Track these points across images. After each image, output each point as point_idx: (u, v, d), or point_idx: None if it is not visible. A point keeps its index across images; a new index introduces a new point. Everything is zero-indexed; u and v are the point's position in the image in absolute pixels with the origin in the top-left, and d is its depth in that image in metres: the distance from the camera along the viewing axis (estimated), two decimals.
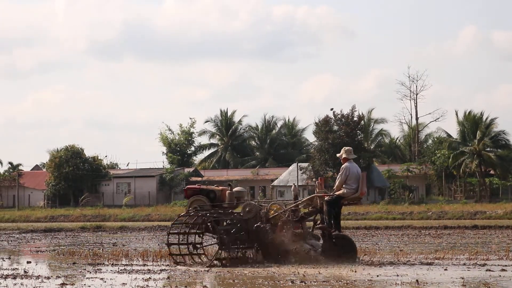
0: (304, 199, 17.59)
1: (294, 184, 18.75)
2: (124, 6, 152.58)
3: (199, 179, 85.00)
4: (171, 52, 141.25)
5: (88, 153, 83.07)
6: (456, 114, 79.30)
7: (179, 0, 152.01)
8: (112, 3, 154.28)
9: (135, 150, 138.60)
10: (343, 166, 17.26)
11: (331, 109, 72.88)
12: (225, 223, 17.19)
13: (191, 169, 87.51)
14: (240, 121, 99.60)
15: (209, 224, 17.13)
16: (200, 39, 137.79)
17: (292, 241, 16.74)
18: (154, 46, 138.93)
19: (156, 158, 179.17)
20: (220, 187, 18.25)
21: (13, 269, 16.44)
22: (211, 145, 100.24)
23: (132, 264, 17.28)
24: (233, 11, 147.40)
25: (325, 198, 17.06)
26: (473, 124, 75.81)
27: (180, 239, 17.61)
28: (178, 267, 16.56)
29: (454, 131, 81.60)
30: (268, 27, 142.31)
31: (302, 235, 17.05)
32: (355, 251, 17.05)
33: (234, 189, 17.85)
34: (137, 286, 13.22)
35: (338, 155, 17.87)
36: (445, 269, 15.28)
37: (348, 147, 17.77)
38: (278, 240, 16.73)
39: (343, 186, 17.05)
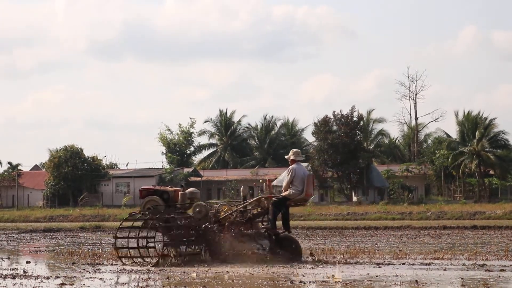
0: (251, 200, 17.87)
1: (242, 186, 18.99)
2: (124, 6, 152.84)
3: (199, 179, 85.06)
4: (171, 52, 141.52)
5: (88, 153, 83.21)
6: (456, 116, 79.45)
7: (179, 0, 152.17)
8: (112, 3, 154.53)
9: (135, 150, 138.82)
10: (289, 167, 17.64)
11: None
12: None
13: (190, 169, 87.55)
14: (239, 121, 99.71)
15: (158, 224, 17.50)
16: (200, 39, 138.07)
17: (239, 241, 17.06)
18: (154, 46, 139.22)
19: (156, 158, 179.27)
20: (174, 188, 18.53)
21: (12, 269, 16.44)
22: (211, 145, 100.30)
23: (132, 264, 17.27)
24: (233, 11, 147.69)
25: (272, 199, 17.41)
26: (472, 124, 75.87)
27: (129, 239, 18.06)
28: (127, 267, 16.73)
29: (453, 131, 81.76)
30: (268, 27, 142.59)
31: (251, 235, 17.35)
32: (300, 251, 17.50)
33: (187, 191, 18.19)
34: (137, 286, 13.23)
35: (286, 156, 18.20)
36: (444, 269, 15.29)
37: (296, 149, 18.11)
38: (225, 240, 17.07)
39: (289, 187, 17.38)
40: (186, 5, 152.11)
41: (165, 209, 17.76)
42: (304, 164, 75.58)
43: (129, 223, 18.91)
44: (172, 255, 17.21)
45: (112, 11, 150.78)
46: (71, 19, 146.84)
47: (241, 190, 18.49)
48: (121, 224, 18.81)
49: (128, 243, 18.11)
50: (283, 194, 17.46)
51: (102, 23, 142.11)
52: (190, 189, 18.41)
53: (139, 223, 18.14)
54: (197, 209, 17.60)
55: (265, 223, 17.75)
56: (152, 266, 16.64)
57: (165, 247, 17.17)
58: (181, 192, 18.04)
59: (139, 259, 17.55)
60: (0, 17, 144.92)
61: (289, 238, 17.60)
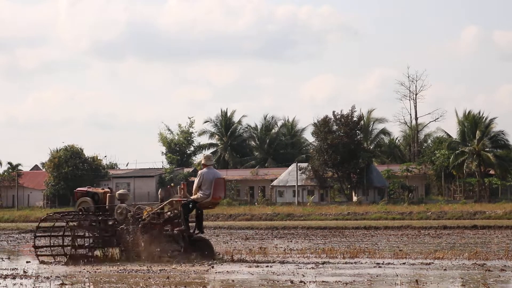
0: (164, 203, 18.39)
1: (161, 188, 19.43)
2: (127, 6, 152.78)
3: None
4: (173, 52, 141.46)
5: (88, 153, 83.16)
6: (456, 113, 79.55)
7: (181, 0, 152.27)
8: (115, 3, 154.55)
9: (136, 150, 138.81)
10: (199, 172, 18.35)
11: None
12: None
13: (190, 169, 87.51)
14: (239, 121, 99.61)
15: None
16: (203, 38, 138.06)
17: (155, 242, 17.76)
18: (156, 46, 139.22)
19: (156, 158, 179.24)
20: (103, 190, 19.25)
21: (13, 269, 16.44)
22: (211, 145, 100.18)
23: (132, 264, 17.29)
24: (236, 11, 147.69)
25: (182, 202, 18.02)
26: (472, 124, 75.90)
27: (50, 238, 19.23)
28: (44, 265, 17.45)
29: (453, 131, 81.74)
30: (271, 26, 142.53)
31: (171, 236, 17.99)
32: (212, 251, 18.17)
33: (117, 193, 18.91)
34: (137, 285, 13.23)
35: (201, 162, 18.51)
36: (445, 269, 15.28)
37: (207, 154, 18.95)
38: (137, 241, 17.83)
39: (198, 191, 18.00)
40: (188, 4, 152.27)
41: (94, 210, 18.65)
42: (304, 164, 75.70)
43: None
44: (82, 254, 18.02)
45: (115, 11, 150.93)
46: (74, 19, 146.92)
47: (159, 193, 18.97)
48: (39, 224, 19.70)
49: (50, 241, 19.17)
50: (192, 197, 18.07)
51: (104, 23, 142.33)
52: (120, 191, 19.09)
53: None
54: (118, 211, 18.32)
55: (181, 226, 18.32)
56: (62, 265, 17.40)
57: (72, 247, 17.96)
58: (109, 194, 18.84)
59: (58, 257, 18.38)
60: (2, 17, 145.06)
61: (202, 239, 18.30)
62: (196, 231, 18.18)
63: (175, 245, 17.85)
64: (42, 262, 18.03)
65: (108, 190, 19.11)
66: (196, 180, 18.15)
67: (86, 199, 18.82)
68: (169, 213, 18.17)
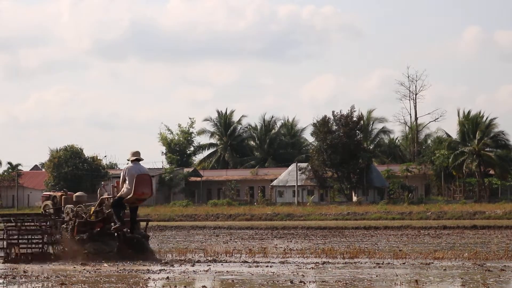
0: (96, 203, 18.71)
1: (100, 187, 19.53)
2: (129, 6, 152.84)
3: (199, 179, 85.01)
4: (175, 52, 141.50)
5: (88, 153, 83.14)
6: (458, 114, 79.60)
7: (183, 0, 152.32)
8: (116, 3, 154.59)
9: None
10: (123, 167, 18.53)
11: None
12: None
13: (190, 169, 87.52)
14: (239, 121, 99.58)
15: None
16: (205, 38, 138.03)
17: (87, 240, 18.19)
18: (157, 46, 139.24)
19: (156, 158, 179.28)
20: (60, 193, 19.94)
21: (13, 269, 16.46)
22: (211, 145, 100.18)
23: (132, 264, 17.29)
24: (238, 11, 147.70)
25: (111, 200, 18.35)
26: (473, 124, 75.93)
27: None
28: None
29: (453, 131, 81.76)
30: (273, 26, 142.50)
31: (105, 235, 18.35)
32: (146, 250, 18.35)
33: (74, 195, 19.54)
34: (137, 285, 13.23)
35: (127, 158, 18.93)
36: (444, 269, 15.29)
37: (134, 150, 18.75)
38: (73, 239, 18.34)
39: (124, 187, 18.10)
40: (190, 5, 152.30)
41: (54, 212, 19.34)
42: (304, 164, 75.69)
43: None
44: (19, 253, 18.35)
45: (117, 11, 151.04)
46: (75, 19, 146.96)
47: (98, 192, 19.20)
48: None
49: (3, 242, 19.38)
50: (118, 194, 18.17)
51: (105, 23, 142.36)
52: (77, 193, 19.71)
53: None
54: (66, 211, 18.88)
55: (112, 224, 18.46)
56: (2, 263, 17.90)
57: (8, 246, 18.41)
58: (64, 196, 19.50)
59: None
60: (5, 17, 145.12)
61: (137, 239, 18.42)
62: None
63: (111, 243, 18.16)
64: None
65: (63, 192, 19.84)
66: (121, 176, 18.28)
67: (47, 202, 19.79)
68: (106, 211, 18.37)
